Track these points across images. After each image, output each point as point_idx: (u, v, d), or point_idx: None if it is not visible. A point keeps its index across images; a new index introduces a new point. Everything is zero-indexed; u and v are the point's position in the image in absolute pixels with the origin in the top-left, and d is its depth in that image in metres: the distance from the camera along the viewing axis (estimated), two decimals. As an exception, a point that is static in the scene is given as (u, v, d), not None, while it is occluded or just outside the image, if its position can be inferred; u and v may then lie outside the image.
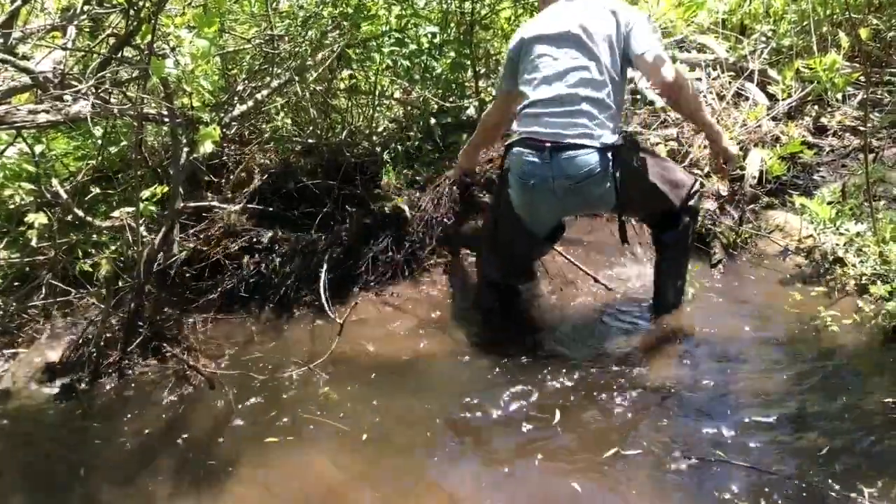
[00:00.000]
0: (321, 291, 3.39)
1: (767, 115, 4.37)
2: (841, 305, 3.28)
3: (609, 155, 2.75)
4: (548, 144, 2.73)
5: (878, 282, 3.25)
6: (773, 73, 4.83)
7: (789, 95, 4.58)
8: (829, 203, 3.69)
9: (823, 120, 4.53)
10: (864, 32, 4.54)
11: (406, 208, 3.63)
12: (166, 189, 3.32)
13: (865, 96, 4.15)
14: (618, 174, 2.77)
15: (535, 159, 2.76)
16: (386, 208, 3.63)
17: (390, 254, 3.61)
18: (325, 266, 3.49)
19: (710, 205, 3.88)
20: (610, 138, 2.75)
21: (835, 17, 5.10)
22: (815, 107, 4.64)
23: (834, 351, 3.01)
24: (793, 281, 3.49)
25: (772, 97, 4.67)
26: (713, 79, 4.72)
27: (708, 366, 2.97)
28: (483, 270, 3.33)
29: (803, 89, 4.61)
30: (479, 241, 3.51)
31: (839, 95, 4.57)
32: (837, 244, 3.51)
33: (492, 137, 3.37)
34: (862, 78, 4.55)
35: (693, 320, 3.23)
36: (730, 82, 4.69)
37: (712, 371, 2.91)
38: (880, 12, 4.97)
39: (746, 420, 2.59)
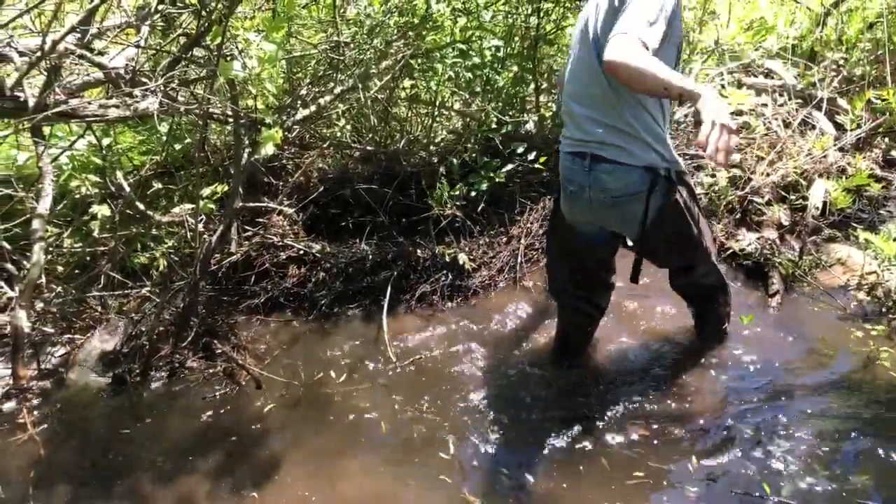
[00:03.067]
0: (383, 314, 3.42)
1: (835, 145, 4.26)
2: (904, 347, 3.18)
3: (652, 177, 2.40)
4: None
5: (944, 324, 3.14)
6: (842, 102, 4.70)
7: (858, 126, 4.46)
8: (895, 239, 3.58)
9: (894, 153, 4.40)
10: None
11: (466, 260, 3.60)
12: (226, 188, 3.39)
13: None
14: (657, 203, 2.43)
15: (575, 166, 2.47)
16: (447, 256, 3.63)
17: (444, 281, 3.63)
18: (388, 289, 3.52)
19: (770, 234, 3.79)
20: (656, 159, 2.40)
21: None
22: (886, 139, 4.50)
23: (891, 394, 2.91)
24: (852, 318, 3.38)
25: (840, 127, 4.55)
26: (780, 105, 4.62)
27: (757, 400, 2.90)
28: (549, 284, 3.04)
29: (874, 120, 4.48)
30: None
31: (912, 129, 4.43)
32: (902, 283, 3.39)
33: None
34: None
35: (745, 352, 3.15)
36: (797, 110, 4.58)
37: (761, 406, 2.84)
38: (960, 45, 4.80)
39: (793, 458, 2.53)
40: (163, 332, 3.26)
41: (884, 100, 4.33)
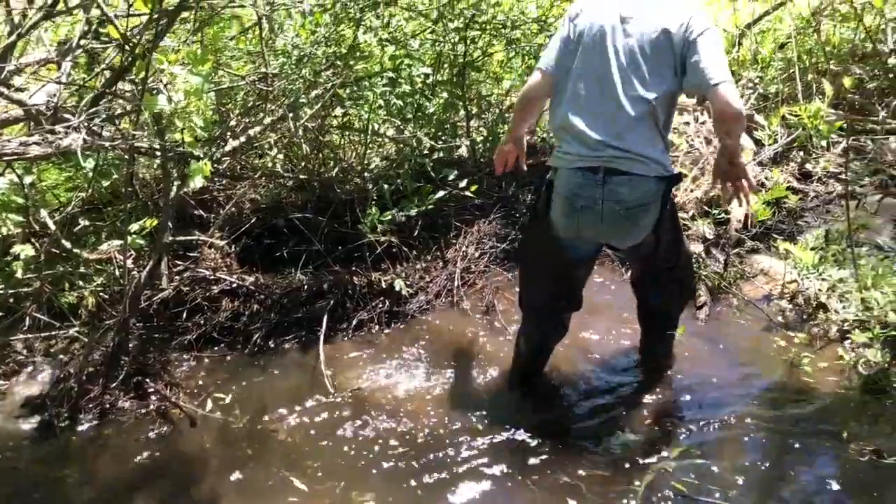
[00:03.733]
0: (319, 344, 3.39)
1: (754, 160, 4.44)
2: (824, 352, 3.31)
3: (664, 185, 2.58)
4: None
5: (859, 329, 3.28)
6: (759, 118, 4.90)
7: (775, 141, 4.66)
8: (813, 249, 3.74)
9: (808, 166, 4.60)
10: (847, 81, 4.64)
11: (402, 286, 3.61)
12: (155, 223, 3.34)
13: (846, 145, 4.21)
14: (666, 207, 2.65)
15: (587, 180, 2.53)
16: (383, 283, 3.64)
17: (381, 308, 3.62)
18: (324, 318, 3.49)
19: (696, 247, 3.92)
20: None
21: (820, 65, 5.20)
22: (801, 153, 4.71)
23: (815, 399, 3.04)
24: (776, 326, 3.51)
25: (759, 142, 4.74)
26: (701, 123, 4.79)
27: (688, 410, 3.00)
28: (524, 300, 2.99)
29: (789, 135, 4.68)
30: None
31: (823, 142, 4.64)
32: (820, 290, 3.54)
33: None
34: (846, 125, 4.64)
35: (677, 366, 3.24)
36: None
37: (692, 418, 2.93)
38: (864, 62, 5.06)
39: (724, 465, 2.63)
40: (92, 372, 3.17)
41: (797, 115, 4.54)
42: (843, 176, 3.93)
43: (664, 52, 2.43)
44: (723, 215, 4.09)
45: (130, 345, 3.27)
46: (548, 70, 2.59)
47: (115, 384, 3.13)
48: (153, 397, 3.15)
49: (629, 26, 2.45)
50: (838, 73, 4.97)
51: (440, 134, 4.24)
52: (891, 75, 4.99)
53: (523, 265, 3.05)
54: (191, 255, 3.70)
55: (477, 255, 3.93)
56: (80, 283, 3.44)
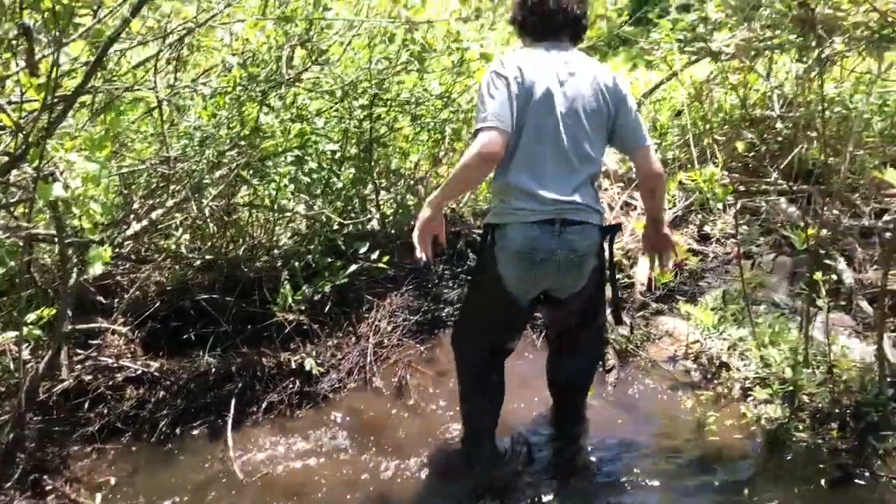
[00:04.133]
0: (228, 430, 3.31)
1: (655, 224, 4.61)
2: (729, 410, 3.42)
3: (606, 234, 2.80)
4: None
5: (759, 386, 3.41)
6: (659, 183, 5.11)
7: (675, 205, 4.86)
8: (713, 309, 3.88)
9: (707, 228, 4.81)
10: (740, 146, 4.90)
11: (313, 365, 3.57)
12: (54, 311, 3.24)
13: (738, 207, 4.43)
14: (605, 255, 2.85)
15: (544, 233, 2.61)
16: (293, 363, 3.59)
17: (291, 389, 3.56)
18: (233, 403, 3.42)
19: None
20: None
21: (714, 131, 5.48)
22: (699, 215, 4.92)
23: (722, 458, 3.12)
24: (683, 386, 3.61)
25: (659, 206, 4.93)
26: (604, 189, 4.96)
27: (599, 474, 3.04)
28: (465, 355, 3.00)
29: (687, 199, 4.90)
30: None
31: (720, 205, 4.86)
32: (722, 349, 3.67)
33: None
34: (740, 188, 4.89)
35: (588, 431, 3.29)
36: (619, 193, 4.94)
37: (603, 482, 2.97)
38: (754, 126, 5.37)
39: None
40: (-15, 473, 3.01)
41: (693, 180, 4.74)
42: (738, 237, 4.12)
43: (600, 112, 2.61)
44: (626, 279, 4.22)
45: (27, 441, 3.13)
46: (506, 128, 2.49)
47: (9, 483, 2.98)
48: (52, 495, 3.00)
49: (568, 87, 2.57)
50: (731, 138, 5.25)
51: (349, 208, 4.27)
52: (780, 139, 5.30)
53: (466, 324, 3.05)
54: (93, 342, 3.58)
55: (390, 328, 3.93)
56: (-26, 377, 3.29)
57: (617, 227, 2.90)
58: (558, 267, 2.61)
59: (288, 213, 4.09)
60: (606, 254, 2.87)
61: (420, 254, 2.65)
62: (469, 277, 2.92)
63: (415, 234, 2.65)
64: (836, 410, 3.18)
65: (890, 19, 3.49)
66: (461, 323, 3.19)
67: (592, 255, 2.70)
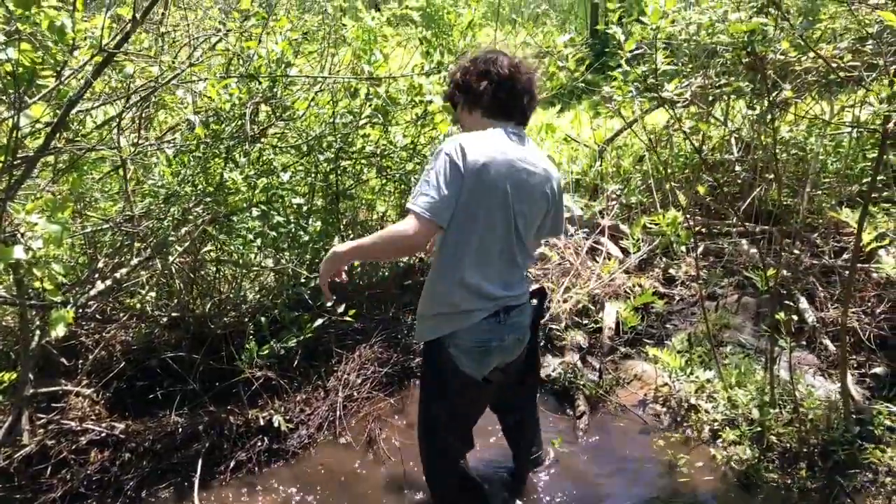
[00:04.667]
0: (195, 491, 3.25)
1: (620, 268, 4.67)
2: (699, 451, 3.44)
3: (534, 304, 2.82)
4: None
5: (727, 428, 3.43)
6: (624, 227, 5.19)
7: (639, 249, 4.93)
8: (679, 352, 3.92)
9: (671, 271, 4.87)
10: (701, 189, 5.00)
11: (281, 422, 3.54)
12: (15, 375, 3.19)
13: (699, 250, 4.50)
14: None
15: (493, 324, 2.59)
16: (261, 420, 3.56)
17: (260, 447, 3.52)
18: (199, 463, 3.37)
19: (572, 357, 4.03)
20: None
21: (675, 175, 5.60)
22: (664, 259, 4.99)
23: (695, 500, 3.13)
24: (653, 430, 3.62)
25: (625, 251, 5.01)
26: (570, 235, 5.03)
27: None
28: (440, 463, 2.85)
29: (651, 243, 4.97)
30: None
31: (683, 248, 4.95)
32: (690, 392, 3.70)
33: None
34: (703, 230, 4.97)
35: (557, 476, 3.28)
36: (585, 238, 5.01)
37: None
38: (714, 170, 5.48)
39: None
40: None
41: (657, 223, 4.84)
42: (700, 280, 4.18)
43: (545, 210, 2.62)
44: (594, 324, 4.25)
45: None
46: (442, 224, 2.37)
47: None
48: (12, 567, 2.92)
49: (525, 186, 2.49)
50: (691, 182, 5.36)
51: (317, 261, 4.28)
52: (739, 181, 5.42)
53: (435, 434, 2.81)
54: (56, 405, 3.51)
55: (359, 381, 3.91)
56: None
57: (544, 294, 2.94)
58: (510, 350, 2.66)
59: (255, 268, 4.09)
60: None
61: (327, 296, 2.66)
62: (424, 391, 2.80)
63: (321, 279, 2.59)
64: (805, 450, 3.22)
65: (834, 65, 3.62)
66: (432, 442, 2.84)
67: (530, 326, 2.78)
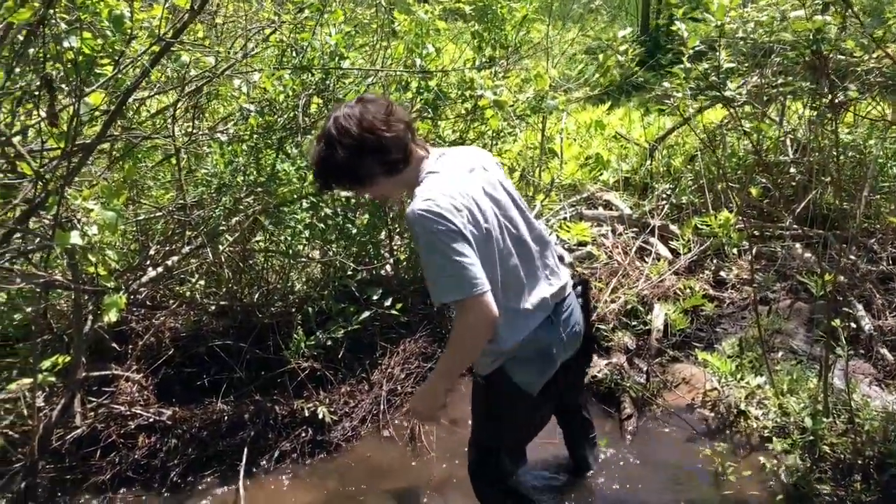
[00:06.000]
0: (240, 479, 3.28)
1: (670, 269, 4.59)
2: (748, 459, 3.36)
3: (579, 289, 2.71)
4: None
5: (777, 436, 3.35)
6: (674, 228, 5.11)
7: (689, 250, 4.84)
8: (730, 357, 3.84)
9: (722, 273, 4.77)
10: (754, 191, 4.89)
11: (326, 413, 3.55)
12: (69, 358, 3.24)
13: (753, 253, 4.40)
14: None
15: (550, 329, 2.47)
16: (306, 411, 3.57)
17: (304, 437, 3.53)
18: (245, 451, 3.39)
19: (618, 359, 3.98)
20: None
21: (728, 176, 5.48)
22: (715, 261, 4.89)
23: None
24: (700, 436, 3.55)
25: (675, 252, 4.92)
26: (618, 234, 4.96)
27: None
28: (493, 491, 2.73)
29: (702, 244, 4.88)
30: None
31: (735, 250, 4.84)
32: (739, 397, 3.61)
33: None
34: (756, 233, 4.87)
35: (604, 479, 3.24)
36: (634, 238, 4.93)
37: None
38: (767, 172, 5.36)
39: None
40: (-5, 522, 2.99)
41: (708, 225, 4.74)
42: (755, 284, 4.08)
43: (510, 182, 2.51)
44: (642, 326, 4.18)
45: (39, 489, 3.12)
46: (489, 289, 2.15)
47: (20, 534, 2.96)
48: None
49: (489, 188, 2.34)
50: (745, 183, 5.24)
51: (363, 254, 4.28)
52: (793, 183, 5.29)
53: (488, 460, 2.67)
54: (106, 389, 3.57)
55: (403, 375, 3.90)
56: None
57: (586, 283, 2.80)
58: (563, 351, 2.52)
59: (303, 259, 4.10)
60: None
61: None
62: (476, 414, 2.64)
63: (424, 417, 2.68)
64: (859, 462, 3.12)
65: (903, 66, 3.50)
66: (485, 470, 2.71)
67: (581, 317, 2.64)
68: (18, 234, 3.24)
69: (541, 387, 2.49)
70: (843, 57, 3.88)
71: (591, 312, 2.81)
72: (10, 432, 3.22)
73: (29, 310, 3.58)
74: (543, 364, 2.46)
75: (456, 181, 2.22)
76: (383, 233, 4.37)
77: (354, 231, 4.11)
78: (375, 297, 4.00)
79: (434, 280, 2.14)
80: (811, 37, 2.96)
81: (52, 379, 3.17)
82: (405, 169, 2.27)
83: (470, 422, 2.68)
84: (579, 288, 2.72)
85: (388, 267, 4.47)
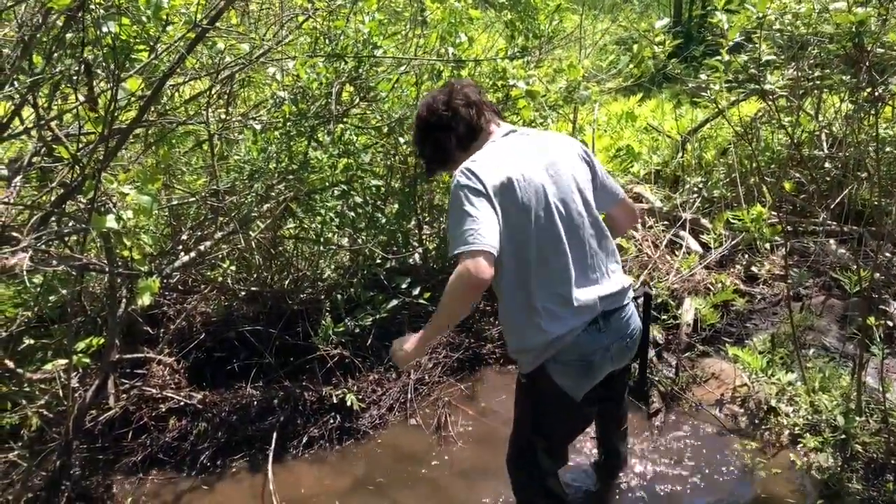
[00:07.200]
0: (268, 464, 3.31)
1: (700, 263, 4.54)
2: (778, 457, 3.32)
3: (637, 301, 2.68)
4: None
5: (808, 433, 3.31)
6: (705, 221, 5.05)
7: (721, 244, 4.79)
8: (761, 352, 3.79)
9: (754, 268, 4.72)
10: (787, 185, 4.82)
11: (354, 401, 3.55)
12: (102, 340, 3.29)
13: (787, 248, 4.34)
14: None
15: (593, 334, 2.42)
16: (334, 397, 3.58)
17: (332, 424, 3.55)
18: (274, 437, 3.42)
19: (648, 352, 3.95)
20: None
21: (761, 170, 5.41)
22: (746, 255, 4.84)
23: (772, 504, 3.03)
24: (730, 432, 3.52)
25: (705, 246, 4.87)
26: (648, 227, 4.92)
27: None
28: (529, 492, 2.71)
29: (733, 238, 4.82)
30: None
31: (767, 245, 4.78)
32: (770, 394, 3.58)
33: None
34: (789, 228, 4.80)
35: (633, 475, 3.22)
36: (664, 231, 4.89)
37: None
38: (802, 167, 5.28)
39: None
40: (31, 499, 3.04)
41: (740, 219, 4.68)
42: (788, 279, 4.03)
43: (588, 177, 2.47)
44: (672, 320, 4.15)
45: (73, 469, 3.17)
46: (495, 251, 2.18)
47: (56, 511, 3.01)
48: (95, 526, 3.03)
49: (554, 171, 2.37)
50: (778, 177, 5.17)
51: (392, 243, 4.29)
52: (828, 178, 5.21)
53: (528, 461, 2.65)
54: (138, 372, 3.62)
55: (431, 365, 3.92)
56: (25, 402, 3.34)
57: (648, 295, 2.76)
58: (611, 359, 2.47)
59: (333, 247, 4.12)
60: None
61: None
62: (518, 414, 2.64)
63: (400, 365, 2.72)
64: (892, 461, 3.08)
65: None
66: (525, 471, 2.69)
67: (638, 330, 2.59)
68: (55, 217, 3.30)
69: (584, 393, 2.47)
70: (882, 50, 3.81)
71: (649, 327, 2.77)
72: (46, 412, 3.27)
73: (64, 292, 3.64)
74: (584, 371, 2.43)
75: (507, 153, 2.35)
76: (413, 222, 4.37)
77: (384, 220, 4.12)
78: (404, 286, 4.01)
79: (450, 234, 2.26)
80: (853, 29, 2.91)
81: (87, 360, 3.22)
82: (472, 144, 2.45)
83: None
84: (639, 300, 2.65)
85: (416, 256, 4.47)
